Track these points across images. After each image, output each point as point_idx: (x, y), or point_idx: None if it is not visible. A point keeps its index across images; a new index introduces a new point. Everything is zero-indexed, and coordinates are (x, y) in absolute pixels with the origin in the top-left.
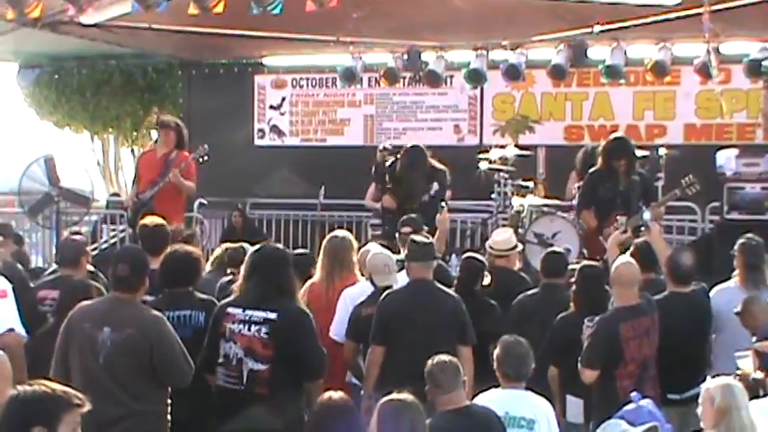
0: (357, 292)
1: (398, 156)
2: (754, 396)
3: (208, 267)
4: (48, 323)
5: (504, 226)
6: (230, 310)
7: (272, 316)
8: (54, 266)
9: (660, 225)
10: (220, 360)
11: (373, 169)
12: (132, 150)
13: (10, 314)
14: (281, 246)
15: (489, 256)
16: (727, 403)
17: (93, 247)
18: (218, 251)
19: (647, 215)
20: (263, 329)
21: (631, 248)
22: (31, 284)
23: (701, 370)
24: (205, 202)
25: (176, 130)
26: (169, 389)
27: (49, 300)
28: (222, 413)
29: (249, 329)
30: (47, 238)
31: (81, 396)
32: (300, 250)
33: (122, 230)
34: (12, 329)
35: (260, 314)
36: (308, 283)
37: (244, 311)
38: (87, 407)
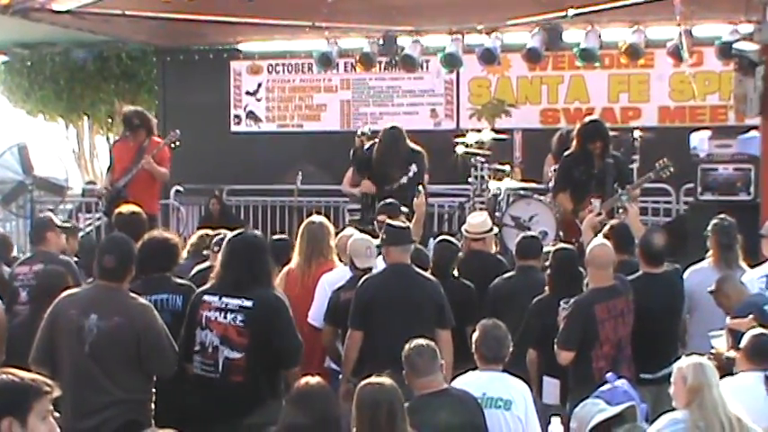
0: (336, 277)
1: (377, 139)
2: (727, 374)
3: (184, 254)
4: (20, 304)
5: (480, 209)
6: (207, 297)
7: (248, 304)
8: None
9: (635, 207)
10: (196, 348)
11: (352, 154)
12: (107, 138)
13: None
14: (258, 232)
15: (465, 239)
16: (699, 382)
17: None
18: (194, 238)
19: (625, 197)
20: (239, 317)
21: (606, 230)
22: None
23: (673, 350)
24: (182, 189)
25: (142, 122)
26: (154, 378)
27: (21, 276)
28: (199, 401)
29: (225, 317)
30: (21, 227)
31: (50, 382)
32: (279, 236)
33: (98, 219)
34: None
35: (236, 302)
36: (286, 269)
37: (220, 299)
38: (57, 392)
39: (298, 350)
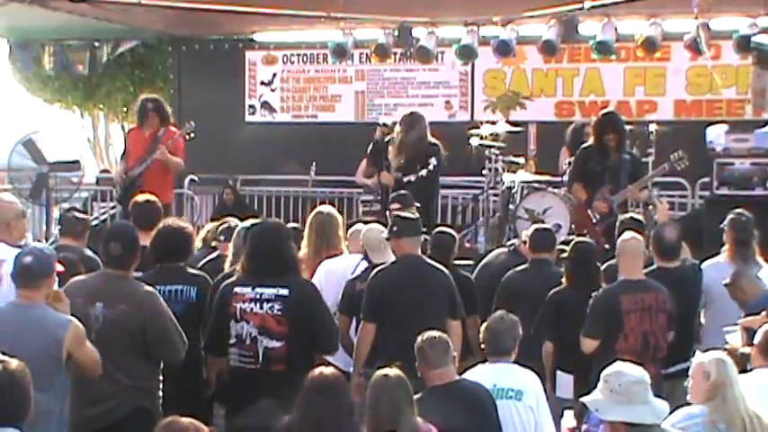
0: (334, 265)
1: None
2: (741, 370)
3: (198, 244)
4: None
5: (495, 202)
6: (238, 289)
7: (284, 292)
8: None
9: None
10: (232, 341)
11: (371, 146)
12: (122, 127)
13: None
14: (277, 220)
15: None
16: (723, 378)
17: None
18: (207, 227)
19: (655, 192)
20: (276, 306)
21: (618, 224)
22: None
23: (688, 345)
24: (196, 178)
25: (156, 109)
26: (161, 364)
27: None
28: (239, 393)
29: (261, 307)
30: (36, 215)
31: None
32: (292, 224)
33: (113, 207)
34: None
35: (271, 291)
36: None
37: (253, 290)
38: None
39: (336, 333)
